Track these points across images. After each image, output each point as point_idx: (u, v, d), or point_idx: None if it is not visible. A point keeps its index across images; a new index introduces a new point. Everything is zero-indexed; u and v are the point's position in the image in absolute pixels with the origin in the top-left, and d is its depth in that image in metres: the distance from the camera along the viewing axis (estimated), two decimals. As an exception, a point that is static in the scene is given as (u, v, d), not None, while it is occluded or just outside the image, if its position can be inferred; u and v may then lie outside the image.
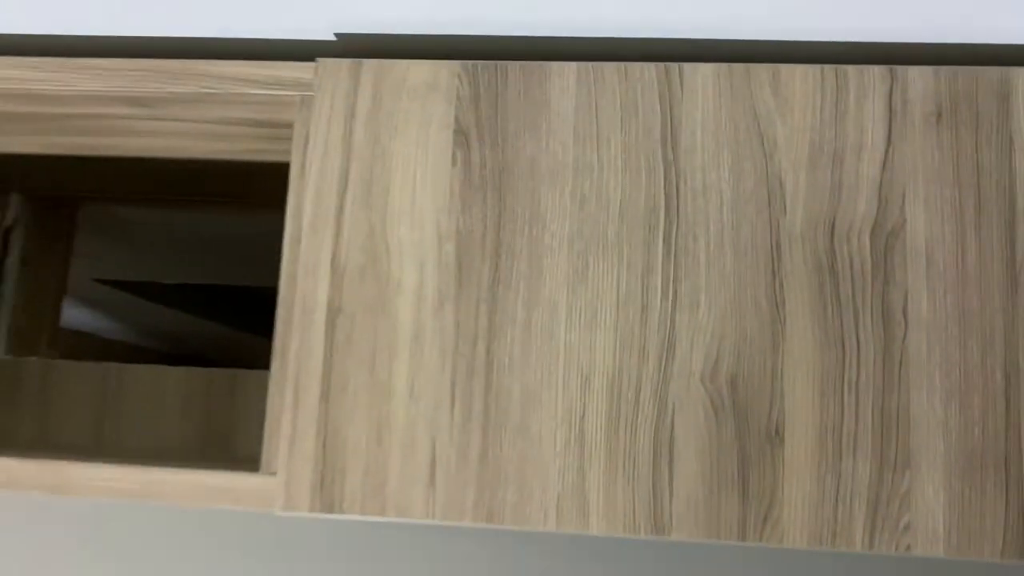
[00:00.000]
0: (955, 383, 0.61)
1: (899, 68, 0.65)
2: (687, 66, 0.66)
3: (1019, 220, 0.62)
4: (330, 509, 0.63)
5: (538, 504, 0.62)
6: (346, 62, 0.68)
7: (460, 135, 0.67)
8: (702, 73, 0.66)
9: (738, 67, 0.65)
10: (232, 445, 0.99)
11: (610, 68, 0.66)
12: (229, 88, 0.70)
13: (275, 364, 0.67)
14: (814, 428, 0.61)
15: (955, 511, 0.59)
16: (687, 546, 0.83)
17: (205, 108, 0.74)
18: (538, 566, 0.84)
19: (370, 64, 0.68)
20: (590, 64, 0.67)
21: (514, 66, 0.67)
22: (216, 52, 0.75)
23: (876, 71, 0.65)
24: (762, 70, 0.65)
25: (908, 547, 0.59)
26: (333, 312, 0.65)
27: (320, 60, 0.69)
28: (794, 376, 0.61)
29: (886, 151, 0.64)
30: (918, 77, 0.64)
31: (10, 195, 1.08)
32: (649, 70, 0.66)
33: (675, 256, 0.64)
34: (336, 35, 0.71)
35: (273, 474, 0.64)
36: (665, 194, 0.64)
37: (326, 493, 0.63)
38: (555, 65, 0.67)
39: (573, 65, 0.67)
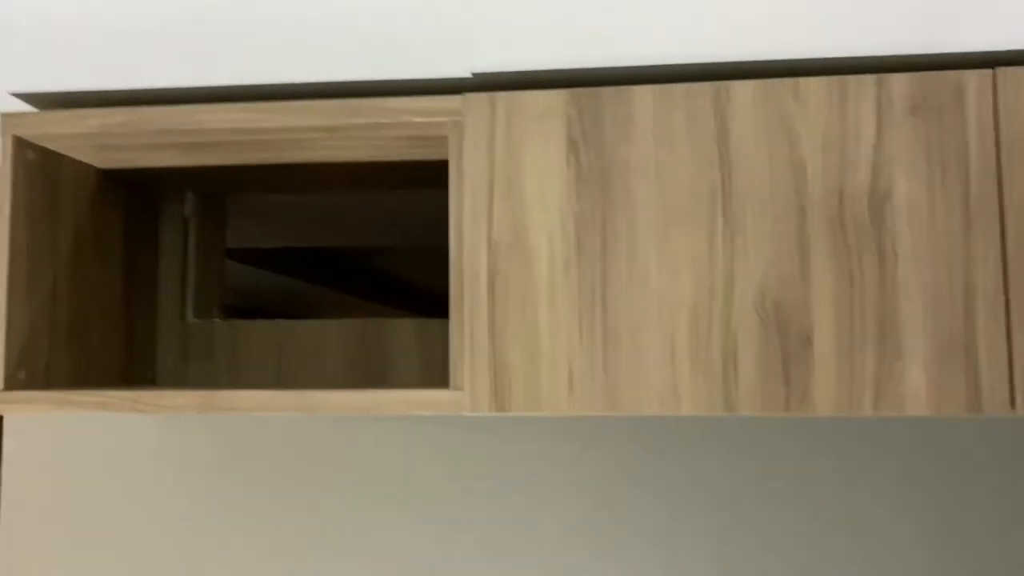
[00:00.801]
0: (930, 297, 0.88)
1: (884, 75, 0.91)
2: (732, 83, 0.92)
3: (972, 182, 0.89)
4: (503, 409, 0.92)
5: (645, 397, 0.90)
6: (485, 95, 0.96)
7: (572, 144, 0.94)
8: (743, 88, 0.92)
9: (769, 82, 0.92)
10: (386, 380, 1.29)
11: (676, 88, 0.93)
12: (400, 118, 0.98)
13: (453, 314, 0.95)
14: (833, 334, 0.89)
15: (932, 384, 0.87)
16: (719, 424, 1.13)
17: (374, 129, 1.02)
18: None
19: (502, 96, 0.95)
20: (661, 86, 0.93)
21: (607, 91, 0.94)
22: (386, 91, 1.02)
23: (867, 79, 0.91)
24: (787, 83, 0.92)
25: (904, 408, 0.87)
26: (492, 275, 0.94)
27: (466, 94, 0.96)
28: (818, 299, 0.89)
29: (876, 137, 0.90)
30: (897, 81, 0.90)
31: (186, 193, 1.36)
32: (704, 88, 0.93)
33: (731, 222, 0.91)
34: (473, 74, 0.98)
35: (460, 389, 0.94)
36: (721, 178, 0.92)
37: (499, 399, 0.92)
38: (636, 88, 0.93)
39: (649, 88, 0.93)
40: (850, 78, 0.91)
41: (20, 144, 1.04)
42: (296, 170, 1.22)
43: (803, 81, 0.92)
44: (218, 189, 1.39)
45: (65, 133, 1.03)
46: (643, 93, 0.93)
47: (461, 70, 0.98)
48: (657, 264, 0.92)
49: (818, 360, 0.89)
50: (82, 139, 1.05)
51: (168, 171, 1.21)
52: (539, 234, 0.94)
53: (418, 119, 0.98)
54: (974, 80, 0.90)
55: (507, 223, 0.94)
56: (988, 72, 0.89)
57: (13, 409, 1.00)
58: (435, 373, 1.28)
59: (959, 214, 0.89)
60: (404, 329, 1.29)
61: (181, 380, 1.33)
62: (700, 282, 0.91)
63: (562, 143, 0.94)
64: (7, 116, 1.03)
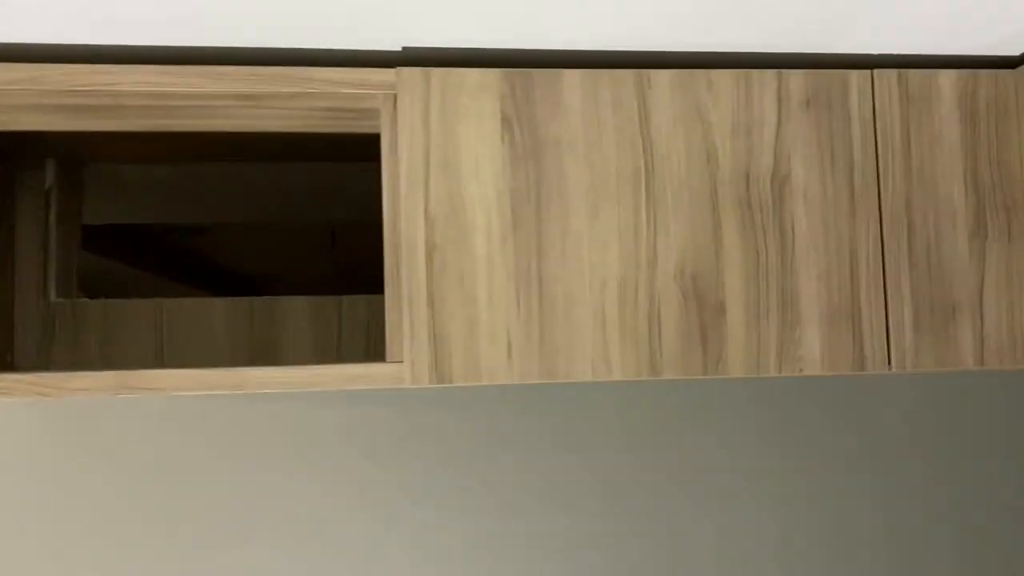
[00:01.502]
0: (823, 270, 1.00)
1: (783, 71, 1.01)
2: (652, 72, 0.99)
3: (856, 168, 1.01)
4: (443, 381, 0.94)
5: (578, 365, 0.96)
6: (419, 70, 0.96)
7: (506, 122, 0.97)
8: (662, 77, 0.99)
9: (685, 72, 0.99)
10: (277, 359, 1.26)
11: (602, 73, 0.98)
12: (326, 88, 0.96)
13: (388, 286, 0.96)
14: (742, 303, 0.98)
15: (825, 348, 0.99)
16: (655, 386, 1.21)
17: (298, 99, 0.99)
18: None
19: (437, 72, 0.97)
20: (588, 71, 0.98)
21: (539, 72, 0.98)
22: (307, 60, 1.00)
23: (769, 73, 1.01)
24: (701, 74, 1.00)
25: (801, 370, 0.98)
26: (430, 248, 0.95)
27: (400, 68, 0.96)
28: (729, 271, 0.98)
29: (777, 126, 1.00)
30: (794, 77, 1.01)
31: (46, 162, 1.25)
32: (628, 75, 0.99)
33: (652, 200, 0.98)
34: (403, 48, 0.99)
35: (400, 362, 0.95)
36: (644, 159, 0.98)
37: (440, 371, 0.94)
38: (566, 72, 0.98)
39: (577, 72, 0.98)
40: (755, 72, 1.00)
41: None
42: (172, 139, 1.15)
43: (714, 73, 1.00)
44: (79, 157, 1.28)
45: (-60, 88, 0.92)
46: (572, 76, 0.98)
47: (390, 43, 0.98)
48: (588, 238, 0.97)
49: (730, 327, 0.98)
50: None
51: (29, 137, 1.11)
52: (475, 208, 0.96)
53: (348, 90, 0.97)
54: (855, 79, 1.02)
55: (444, 197, 0.96)
56: (867, 72, 1.02)
57: None
58: (329, 352, 1.27)
59: (845, 196, 1.01)
60: (295, 308, 1.27)
61: (44, 363, 1.22)
62: (627, 255, 0.97)
63: (496, 120, 0.97)
64: None
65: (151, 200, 1.51)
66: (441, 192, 0.96)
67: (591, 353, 0.96)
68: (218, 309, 1.26)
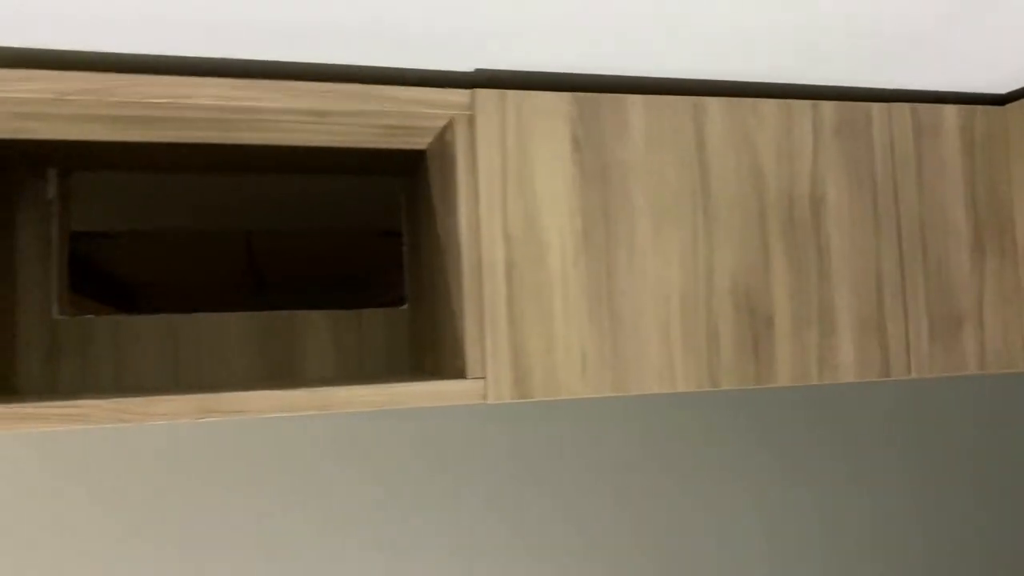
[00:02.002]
0: (853, 283, 1.09)
1: (817, 102, 1.10)
2: (706, 99, 1.05)
3: (878, 191, 1.11)
4: (524, 396, 0.97)
5: (646, 377, 1.01)
6: (496, 92, 0.98)
7: (576, 143, 1.00)
8: (714, 104, 1.05)
9: (735, 100, 1.06)
10: (297, 374, 1.24)
11: (663, 99, 1.04)
12: (401, 107, 0.97)
13: (468, 304, 0.97)
14: (788, 315, 1.06)
15: (856, 356, 1.08)
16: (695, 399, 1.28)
17: (369, 117, 0.99)
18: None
19: (511, 94, 0.99)
20: (650, 96, 1.03)
21: (605, 96, 1.02)
22: (372, 78, 1.00)
23: (805, 104, 1.09)
24: (747, 102, 1.07)
25: (838, 377, 1.07)
26: (509, 266, 0.97)
27: (477, 90, 0.98)
28: (776, 285, 1.06)
29: (813, 152, 1.09)
30: (826, 107, 1.10)
31: (47, 172, 1.18)
32: (685, 102, 1.05)
33: (709, 219, 1.04)
34: (476, 69, 1.00)
35: (481, 378, 0.96)
36: (700, 180, 1.04)
37: (521, 386, 0.97)
38: (630, 97, 1.03)
39: (640, 97, 1.03)
40: (793, 102, 1.09)
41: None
42: (194, 149, 1.12)
43: (760, 102, 1.07)
44: (83, 167, 1.22)
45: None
46: (635, 102, 1.03)
47: (461, 65, 0.99)
48: (653, 256, 1.02)
49: (778, 338, 1.06)
50: (9, 104, 0.89)
51: (32, 146, 1.05)
52: (551, 227, 0.99)
53: (424, 110, 0.98)
54: (876, 111, 1.12)
55: (520, 216, 0.98)
56: (886, 105, 1.12)
57: (-58, 429, 0.82)
58: (351, 366, 1.26)
59: (870, 217, 1.10)
60: (315, 322, 1.25)
61: (50, 385, 1.15)
62: (687, 272, 1.03)
63: (567, 142, 1.00)
64: (-83, 70, 0.84)
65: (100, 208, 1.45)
66: (518, 212, 0.98)
67: (658, 365, 1.01)
68: (232, 324, 1.23)
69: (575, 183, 1.00)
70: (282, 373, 1.24)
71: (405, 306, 1.29)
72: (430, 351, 1.16)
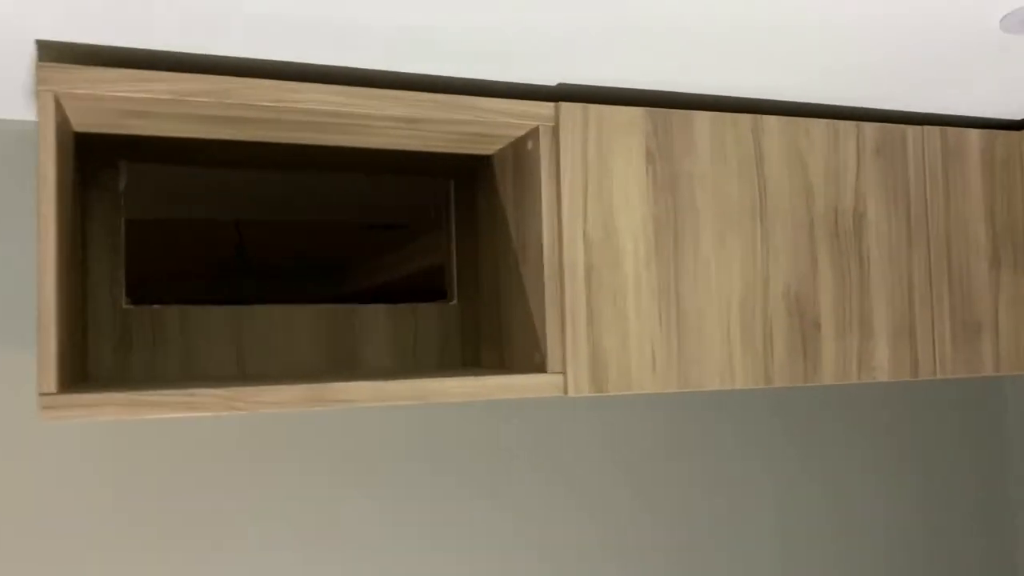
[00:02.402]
0: (889, 292, 1.18)
1: (859, 123, 1.19)
2: (764, 117, 1.13)
3: (911, 206, 1.21)
4: (600, 391, 1.04)
5: (708, 374, 1.08)
6: (578, 105, 1.05)
7: (650, 155, 1.08)
8: (771, 122, 1.14)
9: (788, 119, 1.14)
10: (356, 366, 1.29)
11: (728, 116, 1.11)
12: (488, 117, 1.03)
13: (549, 304, 1.03)
14: (832, 319, 1.15)
15: (891, 357, 1.18)
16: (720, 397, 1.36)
17: (454, 125, 1.05)
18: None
19: (593, 108, 1.05)
20: (716, 113, 1.11)
21: (675, 112, 1.09)
22: (457, 88, 1.05)
23: (850, 124, 1.18)
24: (800, 121, 1.15)
25: (875, 376, 1.16)
26: (588, 268, 1.04)
27: (561, 103, 1.04)
28: (823, 292, 1.15)
29: (857, 170, 1.18)
30: (868, 128, 1.19)
31: (120, 164, 1.21)
32: (746, 118, 1.12)
33: (766, 228, 1.13)
34: (559, 83, 1.07)
35: (561, 373, 1.03)
36: (759, 192, 1.13)
37: (597, 381, 1.04)
38: (698, 113, 1.10)
39: (708, 114, 1.11)
40: (840, 123, 1.17)
41: (59, 103, 0.89)
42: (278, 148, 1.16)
43: (810, 121, 1.16)
44: (146, 160, 1.24)
45: (117, 95, 0.90)
46: (703, 118, 1.10)
47: (546, 79, 1.06)
48: (716, 262, 1.10)
49: (824, 340, 1.15)
50: (128, 103, 0.92)
51: (115, 139, 1.07)
52: (626, 233, 1.06)
53: (511, 120, 1.04)
54: (910, 133, 1.21)
55: (599, 223, 1.05)
56: (919, 128, 1.22)
57: (65, 416, 0.86)
58: (407, 358, 1.31)
59: (904, 231, 1.20)
60: (376, 315, 1.30)
61: (121, 372, 1.18)
62: (746, 277, 1.11)
63: (642, 154, 1.07)
64: (47, 68, 0.87)
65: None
66: (597, 218, 1.05)
67: (719, 363, 1.09)
68: (297, 316, 1.27)
69: (648, 192, 1.07)
70: (343, 364, 1.29)
71: (454, 302, 1.35)
72: (489, 345, 1.22)
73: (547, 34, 0.92)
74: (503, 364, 1.18)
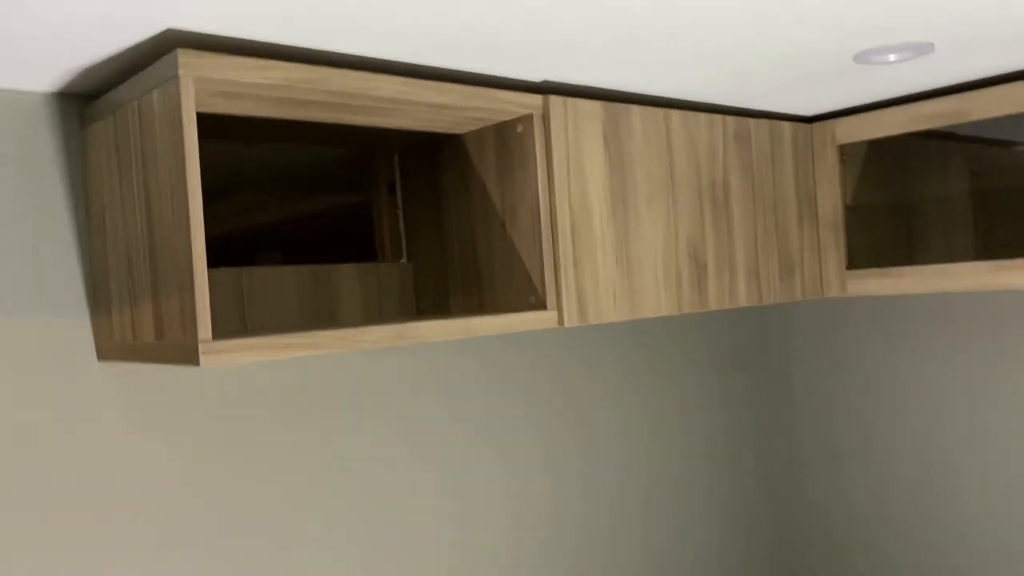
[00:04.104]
0: (743, 242, 1.62)
1: (725, 116, 1.60)
2: (670, 111, 1.50)
3: (755, 179, 1.65)
4: (584, 322, 1.35)
5: (648, 306, 1.44)
6: (560, 98, 1.34)
7: (606, 140, 1.40)
8: (676, 115, 1.51)
9: (686, 112, 1.52)
10: (336, 319, 1.47)
11: (649, 109, 1.46)
12: (498, 105, 1.28)
13: (546, 256, 1.32)
14: (715, 263, 1.56)
15: (746, 289, 1.62)
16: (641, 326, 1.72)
17: (470, 111, 1.29)
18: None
19: (570, 100, 1.35)
20: (643, 107, 1.45)
21: (621, 106, 1.42)
22: (465, 79, 1.29)
23: (718, 117, 1.59)
24: (691, 114, 1.53)
25: (738, 303, 1.60)
26: (573, 228, 1.34)
27: (549, 96, 1.32)
28: (708, 243, 1.55)
29: (724, 151, 1.59)
30: (730, 120, 1.61)
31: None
32: (659, 111, 1.48)
33: (675, 196, 1.50)
34: (543, 80, 1.34)
35: (555, 309, 1.33)
36: (669, 169, 1.49)
37: (582, 314, 1.35)
38: (633, 106, 1.44)
39: (638, 107, 1.45)
40: (714, 116, 1.58)
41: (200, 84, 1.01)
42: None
43: (698, 114, 1.55)
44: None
45: (240, 80, 1.04)
46: (636, 110, 1.45)
47: (533, 75, 1.33)
48: (648, 222, 1.45)
49: (709, 278, 1.55)
50: (237, 87, 1.06)
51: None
52: (594, 199, 1.38)
53: (514, 108, 1.30)
54: (754, 124, 1.66)
55: (577, 191, 1.36)
56: (759, 120, 1.66)
57: (222, 359, 1.00)
58: (374, 310, 1.52)
59: (751, 196, 1.64)
60: (348, 274, 1.49)
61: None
62: (665, 233, 1.48)
63: (601, 138, 1.39)
64: (188, 55, 0.99)
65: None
66: (576, 188, 1.35)
67: (652, 297, 1.45)
68: (289, 276, 1.42)
69: (606, 168, 1.40)
70: (324, 315, 1.46)
71: (404, 260, 1.57)
72: (461, 294, 1.47)
73: (540, 44, 1.19)
74: (482, 308, 1.44)
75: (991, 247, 1.91)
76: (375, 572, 1.51)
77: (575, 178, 1.35)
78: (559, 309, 1.33)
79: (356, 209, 1.58)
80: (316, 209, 1.55)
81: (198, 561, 1.32)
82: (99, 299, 1.22)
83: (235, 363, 1.11)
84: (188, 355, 1.00)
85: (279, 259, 1.49)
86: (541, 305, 1.34)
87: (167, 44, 1.04)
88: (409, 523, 1.55)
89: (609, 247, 1.40)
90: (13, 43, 1.00)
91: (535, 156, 1.33)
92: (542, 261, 1.33)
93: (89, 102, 1.24)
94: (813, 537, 2.26)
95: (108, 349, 1.22)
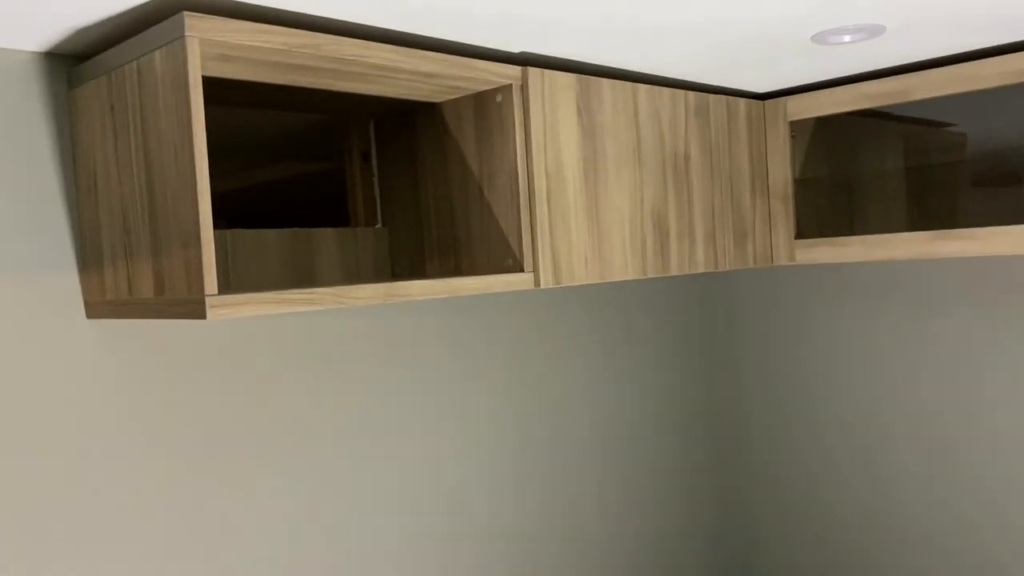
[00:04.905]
0: (702, 211, 1.71)
1: (687, 91, 1.68)
2: (637, 84, 1.57)
3: (713, 151, 1.74)
4: (559, 283, 1.42)
5: (616, 270, 1.52)
6: (538, 69, 1.40)
7: (579, 111, 1.46)
8: (644, 89, 1.58)
9: (652, 87, 1.60)
10: (315, 280, 1.52)
11: (619, 83, 1.53)
12: (480, 75, 1.34)
13: (523, 219, 1.38)
14: (676, 230, 1.65)
15: (704, 255, 1.71)
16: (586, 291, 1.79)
17: (452, 80, 1.34)
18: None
19: (547, 72, 1.41)
20: (613, 80, 1.52)
21: (592, 79, 1.49)
22: (447, 49, 1.34)
23: (680, 92, 1.67)
24: (656, 89, 1.61)
25: (697, 268, 1.69)
26: (549, 193, 1.41)
27: (528, 68, 1.38)
28: (671, 210, 1.64)
29: (685, 125, 1.68)
30: (691, 95, 1.69)
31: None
32: (628, 85, 1.56)
33: (641, 165, 1.58)
34: (521, 51, 1.40)
35: (532, 272, 1.39)
36: (636, 140, 1.57)
37: (557, 276, 1.42)
38: (604, 80, 1.51)
39: (608, 80, 1.52)
40: (676, 91, 1.66)
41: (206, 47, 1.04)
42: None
43: (662, 89, 1.63)
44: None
45: (243, 43, 1.07)
46: (607, 84, 1.51)
47: (513, 47, 1.39)
48: (616, 190, 1.53)
49: (671, 244, 1.64)
50: (259, 52, 1.09)
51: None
52: (568, 167, 1.44)
53: (494, 78, 1.36)
54: (712, 99, 1.74)
55: (553, 159, 1.42)
56: (716, 96, 1.75)
57: (227, 312, 1.04)
58: (352, 273, 1.57)
59: (709, 167, 1.73)
60: (327, 238, 1.53)
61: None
62: (632, 200, 1.56)
63: (574, 109, 1.46)
64: (194, 17, 1.02)
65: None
66: (552, 156, 1.42)
67: (619, 261, 1.53)
68: (271, 239, 1.46)
69: (579, 137, 1.46)
70: (304, 277, 1.50)
71: (379, 225, 1.62)
72: (439, 257, 1.53)
73: (520, 18, 1.25)
74: (459, 271, 1.50)
75: (923, 219, 2.04)
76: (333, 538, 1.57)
77: (551, 146, 1.42)
78: (535, 271, 1.40)
79: (331, 175, 1.62)
80: (290, 174, 1.58)
81: (183, 516, 1.36)
82: (88, 257, 1.24)
83: (238, 316, 1.15)
84: (194, 309, 1.03)
85: (257, 223, 1.52)
86: (519, 268, 1.40)
87: (170, 6, 1.06)
88: (362, 479, 1.61)
89: (581, 212, 1.47)
90: (17, 2, 1.02)
91: (514, 124, 1.39)
92: (519, 225, 1.39)
93: (77, 63, 1.25)
94: (761, 500, 2.39)
95: (98, 306, 1.24)
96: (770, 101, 1.88)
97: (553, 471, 1.92)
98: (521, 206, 1.39)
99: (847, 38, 1.43)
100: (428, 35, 1.28)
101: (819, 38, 1.43)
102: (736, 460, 2.40)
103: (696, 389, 2.29)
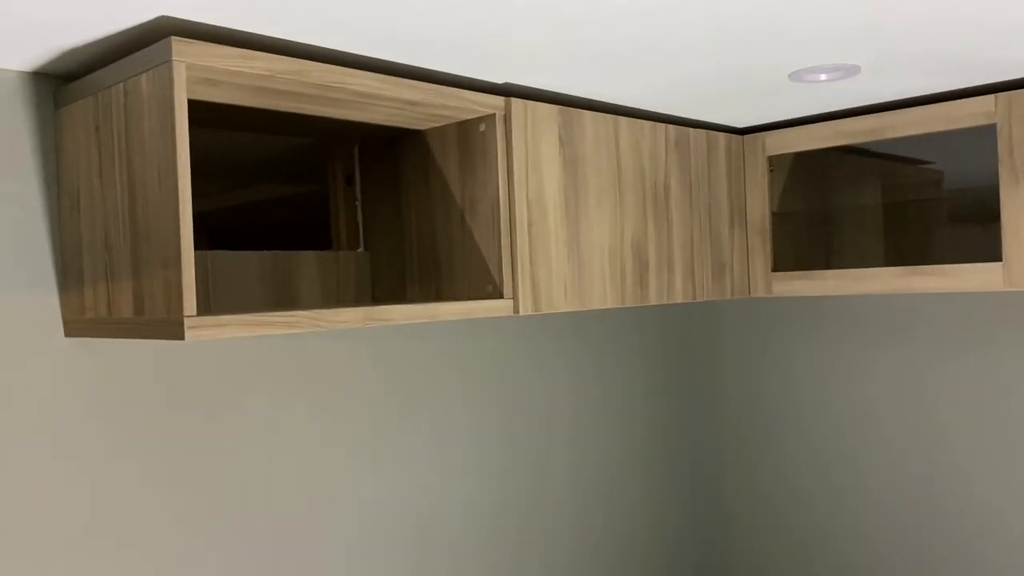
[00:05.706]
0: (681, 242, 1.73)
1: (667, 125, 1.71)
2: (618, 118, 1.60)
3: (693, 184, 1.77)
4: (538, 310, 1.43)
5: (596, 298, 1.53)
6: (520, 100, 1.42)
7: (561, 141, 1.49)
8: (624, 121, 1.61)
9: (633, 120, 1.63)
10: (295, 302, 1.52)
11: (600, 115, 1.56)
12: (464, 104, 1.36)
13: (504, 248, 1.40)
14: (655, 261, 1.67)
15: (682, 286, 1.73)
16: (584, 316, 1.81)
17: (436, 108, 1.36)
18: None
19: (529, 103, 1.43)
20: (594, 112, 1.55)
21: (574, 110, 1.51)
22: (432, 78, 1.36)
23: (661, 125, 1.69)
24: (638, 122, 1.64)
25: (675, 299, 1.71)
26: (530, 222, 1.43)
27: (511, 98, 1.40)
28: (650, 242, 1.66)
29: (665, 157, 1.70)
30: (671, 129, 1.72)
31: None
32: (609, 118, 1.58)
33: (621, 196, 1.60)
34: (505, 82, 1.42)
35: (511, 298, 1.41)
36: (617, 171, 1.59)
37: (536, 303, 1.43)
38: (586, 112, 1.53)
39: (589, 112, 1.54)
40: (657, 124, 1.69)
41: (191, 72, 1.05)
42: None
43: (643, 122, 1.65)
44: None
45: (227, 68, 1.08)
46: (588, 115, 1.54)
47: (497, 78, 1.41)
48: (596, 220, 1.55)
49: (650, 275, 1.66)
50: (243, 78, 1.11)
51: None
52: (549, 197, 1.46)
53: (475, 107, 1.38)
54: (692, 133, 1.77)
55: (535, 188, 1.44)
56: (696, 130, 1.78)
57: (206, 334, 1.05)
58: (332, 297, 1.57)
59: (688, 200, 1.76)
60: (308, 261, 1.54)
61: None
62: (612, 231, 1.58)
63: (556, 139, 1.48)
64: (181, 42, 1.03)
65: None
66: (533, 185, 1.44)
67: (599, 290, 1.55)
68: (252, 261, 1.47)
69: (561, 168, 1.49)
70: (285, 300, 1.51)
71: (361, 249, 1.63)
72: (420, 283, 1.54)
73: (505, 52, 1.28)
74: (439, 297, 1.51)
75: (898, 254, 2.07)
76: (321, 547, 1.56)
77: (532, 175, 1.44)
78: (515, 298, 1.41)
79: (313, 199, 1.63)
80: (273, 197, 1.59)
81: (162, 533, 1.35)
82: (69, 275, 1.25)
83: (217, 338, 1.15)
84: (173, 330, 1.04)
85: (239, 245, 1.52)
86: (498, 294, 1.41)
87: (157, 31, 1.08)
88: (339, 502, 1.61)
89: (562, 242, 1.48)
90: (7, 22, 1.03)
91: (497, 153, 1.41)
92: (500, 253, 1.41)
93: (63, 83, 1.26)
94: (734, 529, 2.40)
95: (77, 324, 1.24)
96: (749, 136, 1.91)
97: (531, 498, 1.92)
98: (502, 234, 1.41)
99: (823, 76, 1.46)
100: (413, 64, 1.30)
101: (796, 76, 1.46)
102: (715, 483, 2.41)
103: (675, 413, 2.30)
